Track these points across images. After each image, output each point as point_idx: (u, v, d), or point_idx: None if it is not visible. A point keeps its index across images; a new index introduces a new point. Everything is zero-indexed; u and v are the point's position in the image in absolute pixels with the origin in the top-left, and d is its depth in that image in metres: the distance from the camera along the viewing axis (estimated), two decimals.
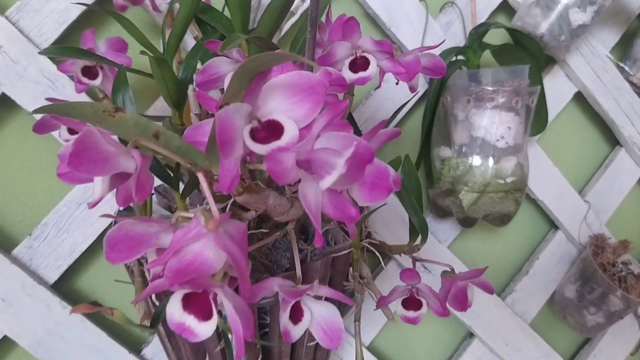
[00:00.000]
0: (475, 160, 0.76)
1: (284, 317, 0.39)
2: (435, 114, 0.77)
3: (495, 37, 0.87)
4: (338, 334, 0.40)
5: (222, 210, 0.38)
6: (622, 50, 0.97)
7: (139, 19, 0.73)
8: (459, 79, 0.76)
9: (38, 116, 0.66)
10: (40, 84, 0.68)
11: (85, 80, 0.59)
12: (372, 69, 0.50)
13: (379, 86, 0.52)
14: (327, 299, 0.42)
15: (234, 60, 0.50)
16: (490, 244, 0.96)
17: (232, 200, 0.40)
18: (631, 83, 0.95)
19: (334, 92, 0.50)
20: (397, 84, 0.52)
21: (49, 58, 0.68)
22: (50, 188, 0.74)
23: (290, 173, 0.30)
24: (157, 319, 0.42)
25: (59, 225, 0.72)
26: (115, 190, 0.35)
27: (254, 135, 0.31)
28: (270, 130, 0.31)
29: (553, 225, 0.97)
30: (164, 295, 0.54)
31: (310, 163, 0.30)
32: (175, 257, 0.31)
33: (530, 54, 0.78)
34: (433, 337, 0.94)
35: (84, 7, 0.70)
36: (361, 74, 0.50)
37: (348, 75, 0.50)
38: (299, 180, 0.32)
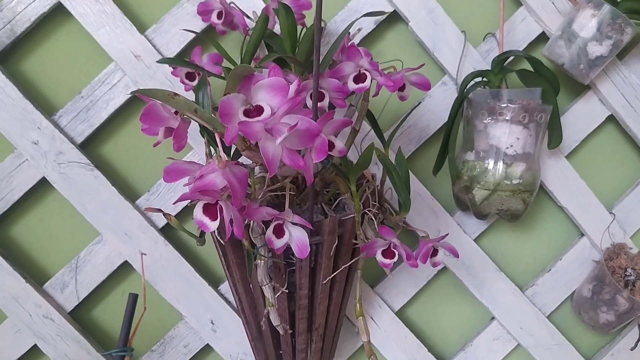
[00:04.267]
0: (490, 164, 0.92)
1: (269, 231, 0.61)
2: (454, 123, 0.95)
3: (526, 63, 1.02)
4: (305, 248, 0.61)
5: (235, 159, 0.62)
6: None
7: (240, 39, 0.99)
8: (480, 96, 0.93)
9: None
10: (164, 84, 0.96)
11: (187, 82, 0.86)
12: (368, 81, 0.71)
13: (377, 94, 0.72)
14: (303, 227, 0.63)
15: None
16: (521, 243, 1.10)
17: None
18: None
19: (340, 97, 0.71)
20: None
21: (169, 65, 0.96)
22: (166, 161, 1.01)
23: (257, 134, 0.53)
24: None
25: (169, 187, 1.00)
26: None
27: (247, 113, 0.54)
28: (257, 110, 0.54)
29: (579, 231, 1.09)
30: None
31: (272, 130, 0.52)
32: (199, 180, 0.55)
33: (546, 79, 0.93)
34: (460, 316, 1.10)
35: (198, 31, 0.97)
36: (360, 85, 0.71)
37: (351, 86, 0.71)
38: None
